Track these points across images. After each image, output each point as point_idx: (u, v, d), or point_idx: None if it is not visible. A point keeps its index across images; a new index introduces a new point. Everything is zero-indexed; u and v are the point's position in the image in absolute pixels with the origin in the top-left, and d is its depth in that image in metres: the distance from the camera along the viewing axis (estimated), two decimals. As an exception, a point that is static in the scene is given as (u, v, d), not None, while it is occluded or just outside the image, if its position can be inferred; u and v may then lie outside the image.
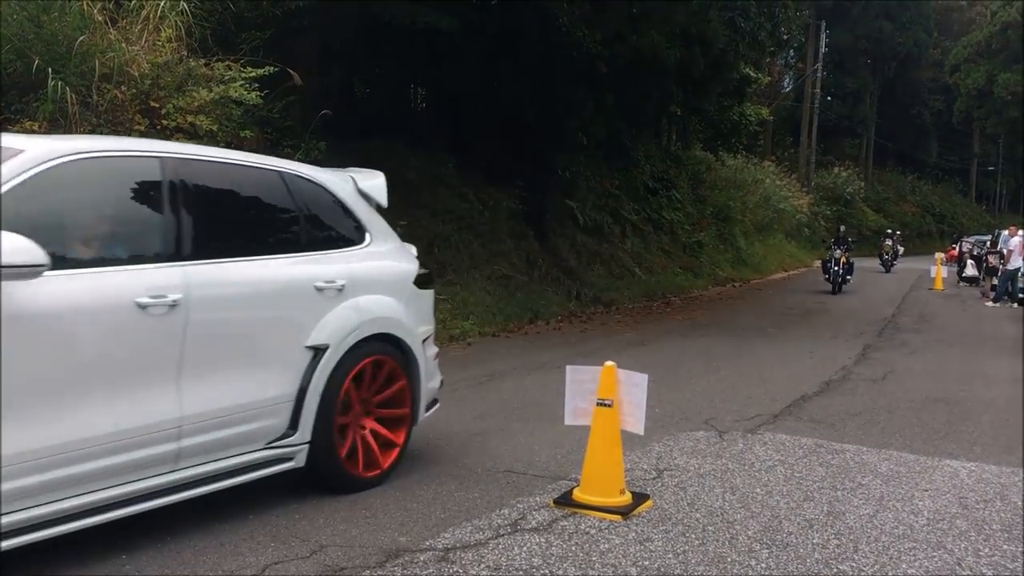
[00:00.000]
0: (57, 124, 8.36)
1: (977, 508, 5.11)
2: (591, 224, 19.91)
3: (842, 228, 24.90)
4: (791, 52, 47.53)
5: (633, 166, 23.36)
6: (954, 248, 33.10)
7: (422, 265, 5.83)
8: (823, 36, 43.11)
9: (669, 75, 18.84)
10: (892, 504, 5.12)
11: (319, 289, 4.84)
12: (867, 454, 6.25)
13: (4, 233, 3.40)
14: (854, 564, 4.20)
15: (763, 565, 4.14)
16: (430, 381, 5.64)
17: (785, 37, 24.11)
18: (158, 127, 8.56)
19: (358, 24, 13.69)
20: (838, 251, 21.65)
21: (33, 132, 8.13)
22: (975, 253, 26.23)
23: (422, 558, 4.08)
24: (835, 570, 4.12)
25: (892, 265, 30.91)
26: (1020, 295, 19.08)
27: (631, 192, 22.66)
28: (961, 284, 25.62)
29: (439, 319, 11.95)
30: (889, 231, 35.48)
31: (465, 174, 16.27)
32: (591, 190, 20.67)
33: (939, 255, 27.27)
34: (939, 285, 23.73)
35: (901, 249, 35.24)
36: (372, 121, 16.32)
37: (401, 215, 14.44)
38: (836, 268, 21.55)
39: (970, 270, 25.74)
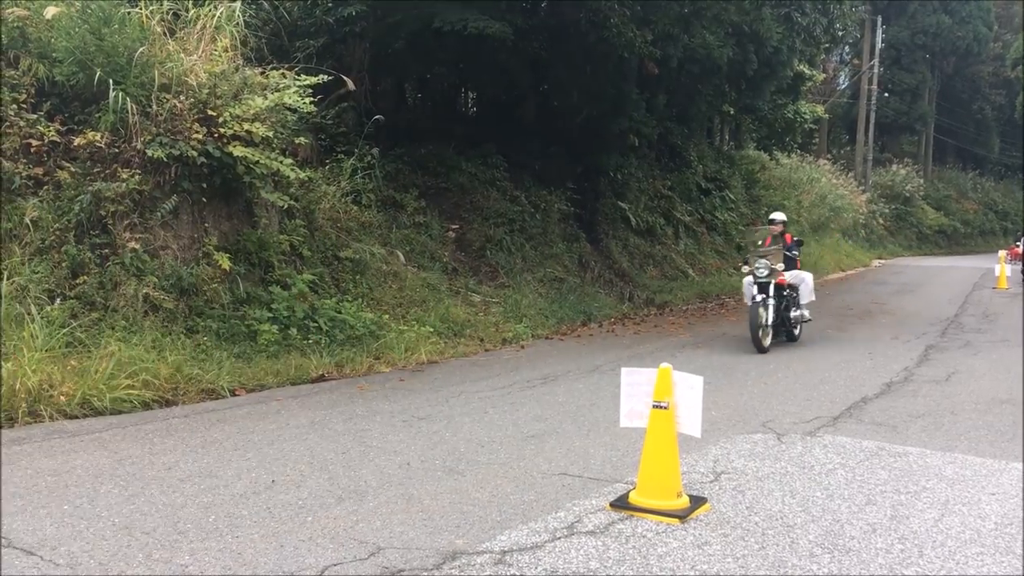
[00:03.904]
0: (118, 134, 8.56)
1: (1048, 512, 4.96)
2: (643, 225, 19.80)
3: (771, 221, 12.55)
4: (846, 48, 46.77)
5: (685, 167, 23.18)
6: (1017, 246, 32.20)
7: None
8: (879, 31, 42.33)
9: (721, 74, 18.67)
10: (958, 508, 4.99)
11: None
12: (931, 457, 6.11)
13: None
14: (919, 569, 4.10)
15: (824, 570, 4.07)
16: None
17: (840, 33, 23.66)
18: (215, 135, 8.71)
19: (409, 30, 13.80)
20: (763, 269, 11.27)
21: (95, 142, 8.36)
22: (1040, 251, 25.43)
23: (479, 560, 4.09)
24: (899, 575, 4.03)
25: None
26: None
27: (683, 193, 22.48)
28: (1026, 283, 24.90)
29: (492, 322, 12.05)
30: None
31: (516, 177, 16.30)
32: (643, 191, 20.55)
33: (1002, 253, 26.54)
34: (1003, 284, 23.10)
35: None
36: (423, 126, 16.44)
37: (453, 219, 14.58)
38: (760, 299, 11.20)
39: (1035, 268, 24.99)
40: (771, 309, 11.31)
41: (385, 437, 6.43)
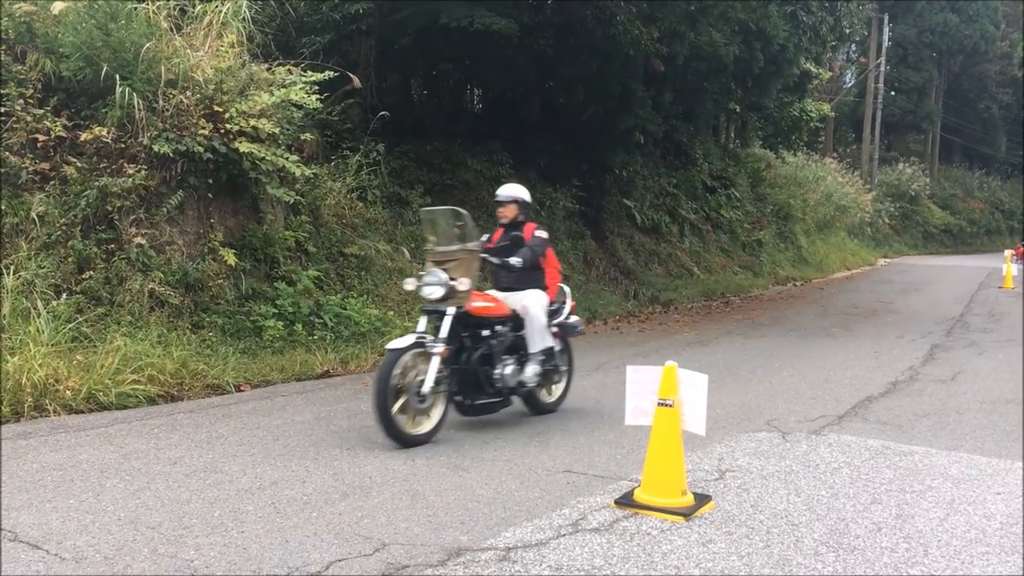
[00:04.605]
0: (125, 130, 8.58)
1: (1053, 512, 4.95)
2: (649, 223, 19.78)
3: (498, 200, 7.23)
4: (853, 47, 46.66)
5: (691, 164, 23.15)
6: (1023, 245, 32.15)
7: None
8: (886, 30, 42.25)
9: (727, 72, 18.66)
10: (963, 507, 4.98)
11: None
12: (936, 456, 6.10)
13: None
14: (924, 568, 4.09)
15: (829, 569, 4.06)
16: None
17: (847, 31, 23.61)
18: (221, 131, 8.72)
19: (415, 26, 13.80)
20: (434, 286, 6.27)
21: (102, 137, 8.37)
22: (1046, 250, 25.38)
23: (483, 557, 4.09)
24: (904, 574, 4.02)
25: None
26: None
27: (689, 191, 22.45)
28: (1032, 282, 24.84)
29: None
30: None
31: (521, 174, 16.27)
32: (648, 189, 20.53)
33: (1008, 252, 26.49)
34: (1009, 283, 23.05)
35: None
36: (429, 122, 16.45)
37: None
38: (411, 342, 6.04)
39: (1041, 268, 24.95)
40: (435, 362, 6.04)
41: (390, 433, 6.42)
